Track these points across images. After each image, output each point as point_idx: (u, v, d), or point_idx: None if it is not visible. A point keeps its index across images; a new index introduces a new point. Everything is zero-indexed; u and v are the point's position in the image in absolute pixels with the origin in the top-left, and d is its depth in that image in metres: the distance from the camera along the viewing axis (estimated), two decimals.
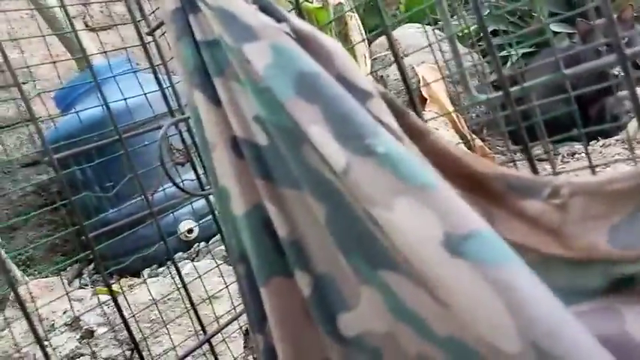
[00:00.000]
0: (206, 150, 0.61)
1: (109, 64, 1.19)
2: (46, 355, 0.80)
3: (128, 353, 1.44)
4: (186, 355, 0.98)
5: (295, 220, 0.54)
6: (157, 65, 0.91)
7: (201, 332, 1.15)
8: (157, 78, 0.91)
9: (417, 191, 0.45)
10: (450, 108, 2.07)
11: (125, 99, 1.14)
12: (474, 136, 2.20)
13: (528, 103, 0.78)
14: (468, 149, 2.12)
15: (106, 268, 1.96)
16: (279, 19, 0.55)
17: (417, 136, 0.54)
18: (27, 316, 0.78)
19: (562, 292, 0.44)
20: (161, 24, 0.75)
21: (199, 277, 1.29)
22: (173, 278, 1.65)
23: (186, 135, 0.91)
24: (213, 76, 0.57)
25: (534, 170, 0.68)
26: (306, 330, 0.57)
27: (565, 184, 0.50)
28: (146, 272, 1.89)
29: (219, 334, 1.37)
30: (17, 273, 1.86)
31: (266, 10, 0.56)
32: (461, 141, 2.13)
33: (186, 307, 1.48)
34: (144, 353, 1.43)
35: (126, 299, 1.09)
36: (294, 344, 0.58)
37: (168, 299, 1.47)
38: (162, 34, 0.79)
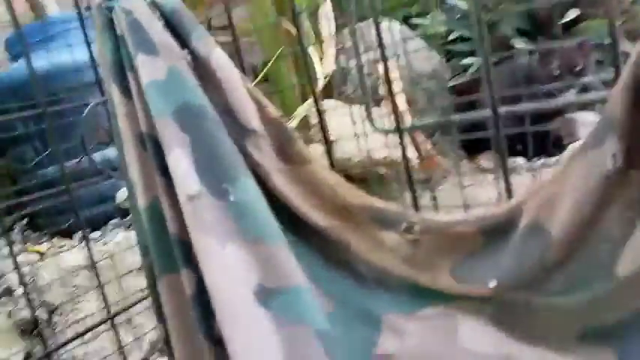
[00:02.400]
0: (119, 141, 0.62)
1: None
2: None
3: (45, 316, 1.43)
4: (90, 329, 0.98)
5: (182, 219, 0.55)
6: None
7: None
8: (91, 56, 0.89)
9: (248, 242, 0.52)
10: (407, 113, 2.10)
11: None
12: (422, 137, 2.24)
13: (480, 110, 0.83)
14: (418, 156, 2.16)
15: (40, 226, 1.93)
16: (184, 41, 0.58)
17: (301, 163, 0.60)
18: None
19: (411, 296, 0.56)
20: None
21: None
22: (105, 244, 1.64)
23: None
24: (127, 70, 0.58)
25: (413, 192, 0.73)
26: (194, 329, 0.58)
27: (419, 221, 0.56)
28: (78, 235, 1.86)
29: (140, 304, 1.38)
30: None
31: (173, 27, 0.59)
32: (413, 146, 2.16)
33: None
34: (62, 318, 1.42)
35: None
36: (186, 341, 0.60)
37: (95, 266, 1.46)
38: None
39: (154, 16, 0.59)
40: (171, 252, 0.58)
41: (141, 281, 1.45)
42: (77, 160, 0.99)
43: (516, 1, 2.59)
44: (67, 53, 1.59)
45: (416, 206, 0.73)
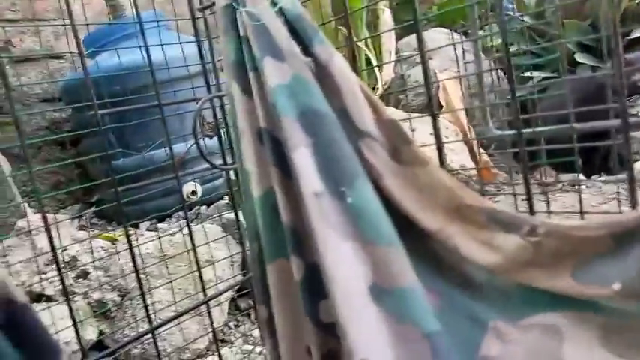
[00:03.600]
0: (237, 135, 0.67)
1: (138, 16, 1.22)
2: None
3: (118, 299, 1.51)
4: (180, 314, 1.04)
5: (295, 209, 0.59)
6: (201, 40, 0.96)
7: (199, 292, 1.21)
8: (200, 53, 0.96)
9: (364, 243, 0.56)
10: (463, 119, 2.12)
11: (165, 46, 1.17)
12: (481, 150, 2.25)
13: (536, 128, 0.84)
14: (474, 162, 2.17)
15: (109, 214, 2.03)
16: (306, 47, 0.62)
17: (418, 165, 0.62)
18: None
19: (523, 301, 0.57)
20: (212, 4, 0.80)
21: (208, 242, 1.34)
22: (172, 235, 1.71)
23: (218, 110, 0.96)
24: (249, 70, 0.63)
25: (529, 199, 0.75)
26: (299, 310, 0.62)
27: (541, 225, 0.57)
28: (144, 225, 1.95)
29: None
30: (24, 205, 1.91)
31: (296, 32, 0.63)
32: (469, 153, 2.17)
33: (187, 266, 1.55)
34: (134, 302, 1.49)
35: (131, 250, 1.14)
36: (289, 321, 0.64)
37: (166, 256, 1.53)
38: (212, 14, 0.83)
39: (279, 21, 0.63)
40: (282, 238, 0.62)
41: (208, 272, 1.52)
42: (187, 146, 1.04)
43: (579, 17, 2.57)
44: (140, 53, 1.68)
45: (531, 212, 0.73)
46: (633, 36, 2.24)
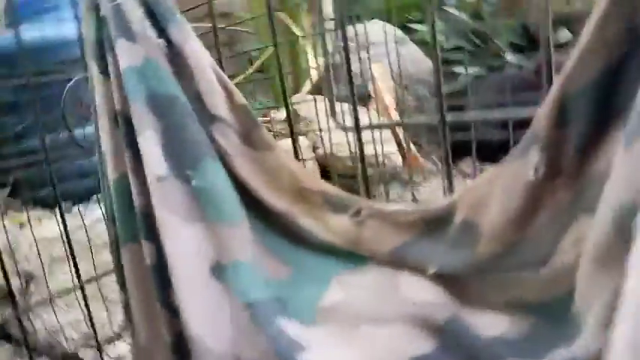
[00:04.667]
0: (95, 115, 0.66)
1: None
2: None
3: (23, 284, 1.46)
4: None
5: (146, 194, 0.60)
6: None
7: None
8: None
9: (208, 223, 0.58)
10: (393, 112, 2.14)
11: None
12: (410, 143, 2.28)
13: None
14: (402, 156, 2.21)
15: (22, 195, 1.95)
16: (162, 29, 0.62)
17: (266, 149, 0.65)
18: None
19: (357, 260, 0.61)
20: None
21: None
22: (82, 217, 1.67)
23: None
24: (107, 51, 0.62)
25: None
26: (152, 295, 0.62)
27: (365, 207, 0.61)
28: (64, 208, 1.89)
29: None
30: None
31: (152, 14, 0.63)
32: (396, 145, 2.21)
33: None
34: (40, 287, 1.45)
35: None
36: (144, 306, 0.64)
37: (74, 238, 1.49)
38: None
39: (135, 3, 0.62)
40: (135, 223, 0.62)
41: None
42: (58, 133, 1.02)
43: (510, 16, 2.64)
44: (58, 27, 1.62)
45: (368, 195, 0.78)
46: (561, 40, 2.31)
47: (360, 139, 0.78)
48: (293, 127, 0.78)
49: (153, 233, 0.60)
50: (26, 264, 1.45)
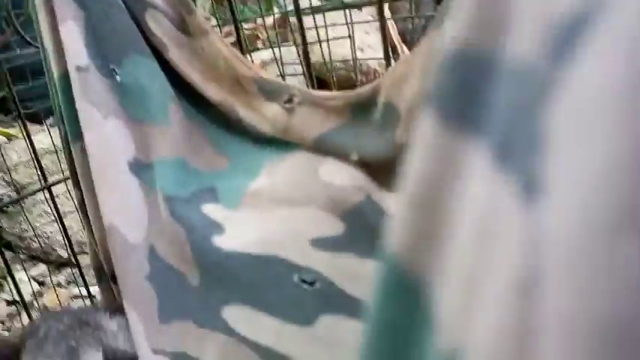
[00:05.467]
0: (34, 11, 0.63)
1: None
2: None
3: (14, 195, 1.49)
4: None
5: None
6: None
7: None
8: None
9: (129, 121, 0.58)
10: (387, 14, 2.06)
11: None
12: (403, 46, 2.21)
13: None
14: (391, 58, 2.14)
15: (9, 109, 1.95)
16: None
17: (201, 35, 0.62)
18: None
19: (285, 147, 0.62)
20: None
21: None
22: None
23: None
24: None
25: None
26: None
27: (298, 94, 0.60)
28: (49, 122, 1.89)
29: None
30: None
31: None
32: (389, 49, 2.13)
33: None
34: (29, 199, 1.48)
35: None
36: (94, 199, 0.65)
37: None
38: None
39: None
40: (78, 122, 0.61)
41: None
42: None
43: None
44: None
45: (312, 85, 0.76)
46: None
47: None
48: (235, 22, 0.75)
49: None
50: (16, 174, 1.48)
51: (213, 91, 0.62)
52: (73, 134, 0.63)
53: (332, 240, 0.55)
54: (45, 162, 1.49)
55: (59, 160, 1.48)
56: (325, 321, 0.53)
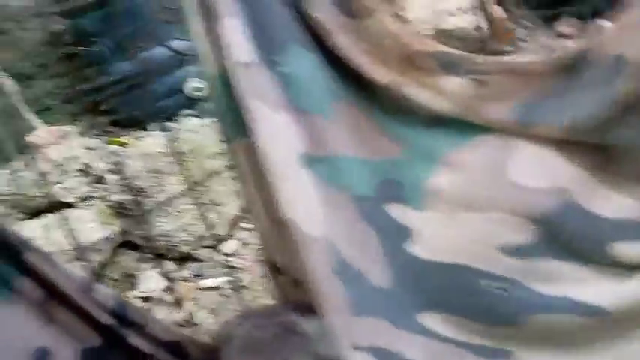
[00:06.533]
0: (188, 15, 0.65)
1: None
2: None
3: (134, 199, 1.57)
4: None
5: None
6: None
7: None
8: None
9: (296, 112, 0.57)
10: None
11: None
12: (495, 7, 2.12)
13: None
14: (489, 19, 2.05)
15: (116, 120, 2.06)
16: None
17: (364, 15, 0.59)
18: None
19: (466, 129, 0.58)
20: None
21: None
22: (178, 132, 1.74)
23: None
24: None
25: None
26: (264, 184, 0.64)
27: (484, 62, 0.56)
28: (155, 127, 1.98)
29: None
30: (35, 121, 1.95)
31: None
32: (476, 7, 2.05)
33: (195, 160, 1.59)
34: (148, 200, 1.56)
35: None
36: (258, 197, 0.65)
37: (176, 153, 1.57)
38: None
39: None
40: (240, 118, 0.61)
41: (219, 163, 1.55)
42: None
43: None
44: None
45: None
46: None
47: None
48: None
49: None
50: (134, 179, 1.56)
51: (380, 73, 0.59)
52: (233, 131, 0.64)
53: (524, 247, 0.53)
54: (159, 165, 1.57)
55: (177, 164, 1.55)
56: (536, 319, 0.53)
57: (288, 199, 0.56)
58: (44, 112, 2.24)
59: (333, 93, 0.60)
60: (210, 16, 0.60)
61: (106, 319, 0.58)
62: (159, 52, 1.88)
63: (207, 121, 1.78)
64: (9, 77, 2.01)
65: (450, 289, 0.56)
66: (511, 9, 2.16)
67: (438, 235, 0.57)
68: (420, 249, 0.57)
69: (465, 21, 2.06)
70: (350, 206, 0.57)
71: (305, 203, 0.56)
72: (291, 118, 0.57)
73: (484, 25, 2.01)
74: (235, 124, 0.64)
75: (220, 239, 1.62)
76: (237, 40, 0.56)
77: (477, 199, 0.56)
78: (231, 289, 1.47)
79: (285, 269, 0.66)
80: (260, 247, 0.70)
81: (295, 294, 0.67)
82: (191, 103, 2.04)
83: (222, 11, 0.57)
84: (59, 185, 1.49)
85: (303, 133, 0.57)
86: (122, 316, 0.60)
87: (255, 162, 0.64)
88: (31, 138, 1.63)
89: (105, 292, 0.60)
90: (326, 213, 0.56)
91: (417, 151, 0.60)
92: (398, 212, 0.58)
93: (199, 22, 0.62)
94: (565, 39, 2.31)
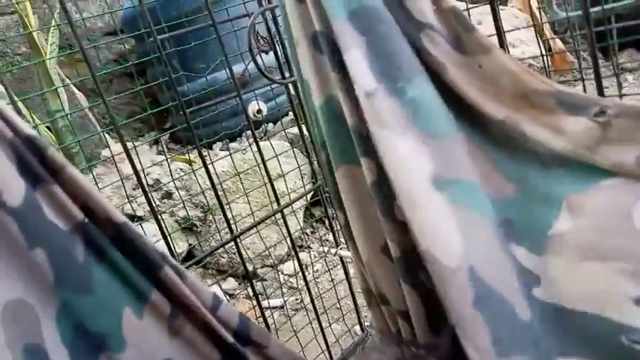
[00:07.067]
0: (292, 44, 0.68)
1: None
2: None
3: (201, 214, 1.62)
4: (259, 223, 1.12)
5: (358, 111, 0.60)
6: None
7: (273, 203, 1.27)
8: None
9: (423, 136, 0.57)
10: (532, 2, 1.99)
11: None
12: (555, 37, 2.11)
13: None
14: (548, 49, 2.04)
15: (183, 138, 2.12)
16: None
17: (481, 52, 0.60)
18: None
19: (591, 172, 0.56)
20: None
21: (277, 156, 1.39)
22: (244, 153, 1.78)
23: (271, 24, 0.95)
24: None
25: (600, 84, 0.72)
26: (372, 212, 0.65)
27: (611, 106, 0.55)
28: (217, 146, 2.03)
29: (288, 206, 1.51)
30: (106, 135, 2.03)
31: None
32: (540, 40, 2.05)
33: (260, 180, 1.62)
34: (216, 217, 1.60)
35: (207, 168, 1.20)
36: (363, 224, 0.67)
37: (240, 172, 1.61)
38: None
39: None
40: (348, 144, 0.63)
41: (280, 185, 1.58)
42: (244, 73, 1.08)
43: None
44: None
45: (601, 93, 0.70)
46: None
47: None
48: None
49: (370, 150, 0.60)
50: (202, 197, 1.60)
51: (493, 109, 0.59)
52: (337, 159, 0.66)
53: None
54: (227, 184, 1.61)
55: (240, 181, 1.59)
56: None
57: (422, 228, 0.55)
58: (110, 127, 2.32)
59: (454, 123, 0.60)
60: (320, 47, 0.63)
61: (229, 337, 0.60)
62: (223, 74, 1.94)
63: (267, 143, 1.82)
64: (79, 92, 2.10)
65: (588, 339, 0.53)
66: (570, 41, 2.15)
67: (565, 282, 0.55)
68: (549, 294, 0.55)
69: (525, 52, 2.06)
70: (490, 231, 0.55)
71: (439, 229, 0.55)
72: (419, 142, 0.57)
73: (544, 55, 2.00)
74: (341, 150, 0.65)
75: (281, 259, 1.64)
76: (362, 70, 0.58)
77: (603, 247, 0.54)
78: (293, 309, 1.48)
79: (389, 299, 0.66)
80: (361, 275, 0.70)
81: (398, 324, 0.68)
82: (254, 124, 2.08)
83: (347, 43, 0.58)
84: (132, 198, 1.54)
85: (432, 154, 0.57)
86: (245, 335, 0.62)
87: (359, 188, 0.66)
88: (105, 152, 1.70)
89: (230, 310, 0.62)
90: (464, 237, 0.55)
91: (535, 193, 0.59)
92: (520, 254, 0.56)
93: (305, 54, 0.65)
94: (625, 72, 2.28)
